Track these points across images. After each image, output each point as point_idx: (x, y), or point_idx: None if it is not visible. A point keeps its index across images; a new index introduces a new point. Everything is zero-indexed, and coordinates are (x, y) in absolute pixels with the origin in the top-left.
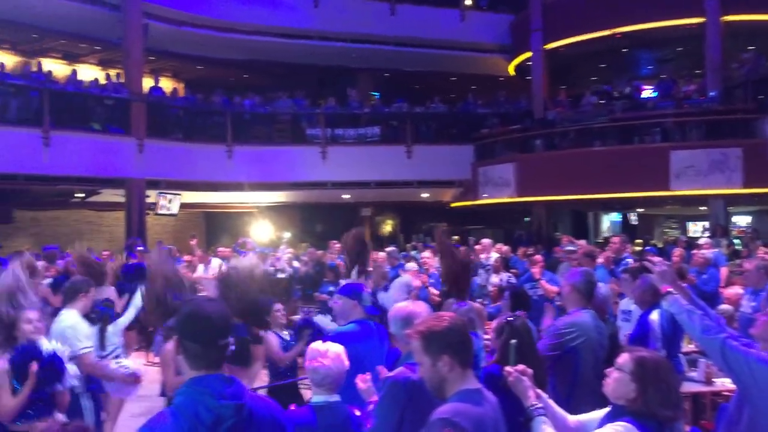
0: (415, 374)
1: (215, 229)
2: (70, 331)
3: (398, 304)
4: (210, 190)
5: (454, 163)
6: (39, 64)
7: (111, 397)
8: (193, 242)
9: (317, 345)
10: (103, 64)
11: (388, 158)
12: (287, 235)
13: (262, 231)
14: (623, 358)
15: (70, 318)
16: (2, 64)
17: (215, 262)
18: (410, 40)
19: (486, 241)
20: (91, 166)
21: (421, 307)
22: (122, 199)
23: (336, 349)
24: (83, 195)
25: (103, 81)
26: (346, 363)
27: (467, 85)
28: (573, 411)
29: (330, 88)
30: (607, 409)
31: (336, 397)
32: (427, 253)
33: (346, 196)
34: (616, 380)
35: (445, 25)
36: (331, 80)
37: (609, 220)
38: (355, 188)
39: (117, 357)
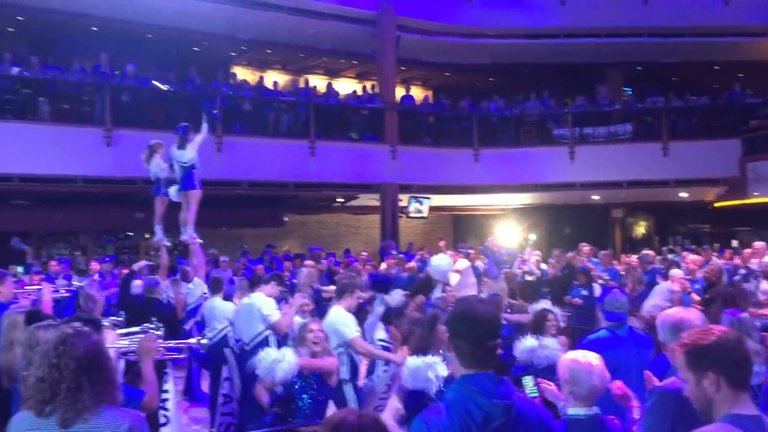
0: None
1: (462, 231)
2: (339, 323)
3: (668, 310)
4: (458, 193)
5: (717, 160)
6: (306, 81)
7: None
8: (442, 244)
9: (578, 356)
10: (360, 76)
11: (642, 156)
12: (533, 237)
13: (508, 233)
14: None
15: (337, 313)
16: (275, 82)
17: (462, 263)
18: (666, 29)
19: (759, 244)
20: (350, 173)
21: (693, 315)
22: (377, 203)
23: (597, 361)
24: (343, 200)
25: (359, 93)
26: (608, 375)
27: (733, 73)
28: None
29: (577, 87)
30: None
31: (595, 410)
32: (692, 257)
33: (596, 197)
34: None
35: (706, 11)
36: (579, 78)
37: None
38: (606, 189)
39: None
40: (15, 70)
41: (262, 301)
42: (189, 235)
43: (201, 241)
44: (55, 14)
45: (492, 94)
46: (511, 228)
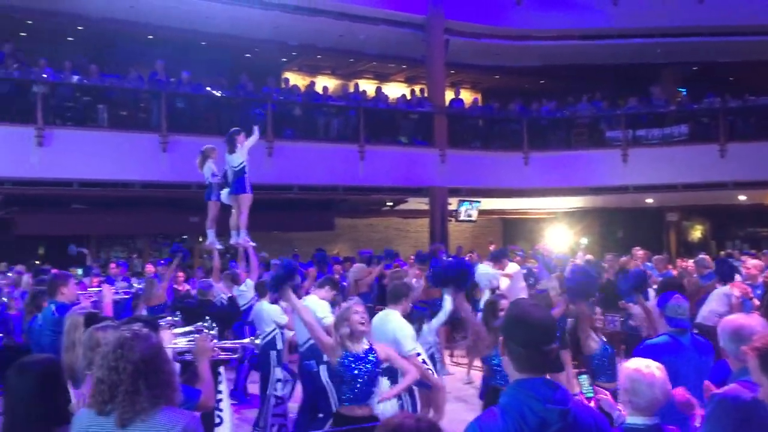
0: (748, 393)
1: (512, 234)
2: (400, 333)
3: (729, 316)
4: (507, 196)
5: None
6: (356, 86)
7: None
8: (492, 248)
9: (641, 365)
10: (409, 80)
11: (698, 158)
12: (585, 241)
13: (559, 237)
14: None
15: (396, 319)
16: (326, 87)
17: (512, 267)
18: (722, 28)
19: None
20: (399, 177)
21: (754, 321)
22: (426, 207)
23: (660, 372)
24: (392, 203)
25: (408, 97)
26: (670, 387)
27: None
28: None
29: (630, 88)
30: None
31: (655, 419)
32: (752, 261)
33: (650, 201)
34: None
35: (764, 8)
36: (632, 79)
37: None
38: (660, 191)
39: (432, 355)
40: (75, 78)
41: (316, 305)
42: (241, 238)
43: (253, 244)
44: (113, 24)
45: (542, 97)
46: (562, 232)
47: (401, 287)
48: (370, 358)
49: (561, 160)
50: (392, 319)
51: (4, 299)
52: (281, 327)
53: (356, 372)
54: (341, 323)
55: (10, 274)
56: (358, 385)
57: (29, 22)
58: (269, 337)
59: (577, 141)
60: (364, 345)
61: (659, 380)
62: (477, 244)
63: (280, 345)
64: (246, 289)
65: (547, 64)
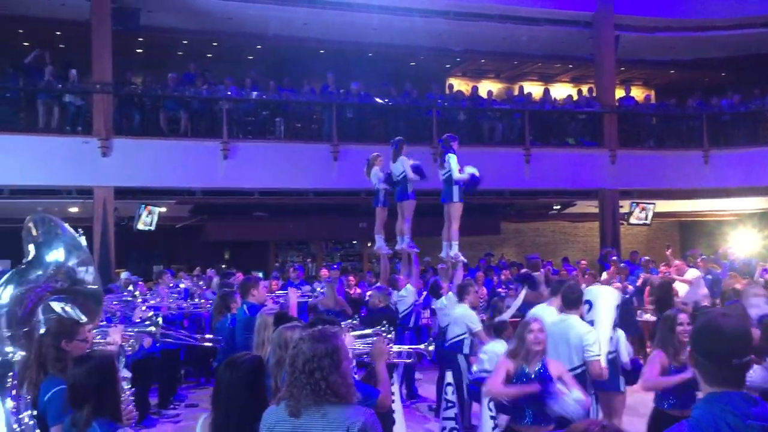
0: None
1: (690, 238)
2: (585, 338)
3: None
4: (685, 198)
5: None
6: (520, 88)
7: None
8: (669, 252)
9: None
10: (575, 80)
11: None
12: None
13: (745, 240)
14: None
15: (578, 323)
16: (490, 91)
17: (692, 272)
18: None
19: None
20: (566, 179)
21: None
22: (595, 210)
23: None
24: (559, 207)
25: (575, 97)
26: None
27: None
28: None
29: None
30: None
31: None
32: None
33: None
34: None
35: None
36: None
37: None
38: None
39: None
40: (254, 93)
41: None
42: (405, 243)
43: (417, 250)
44: (288, 40)
45: (724, 90)
46: (747, 235)
47: (578, 291)
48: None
49: (746, 157)
50: (574, 324)
51: (197, 300)
52: (472, 333)
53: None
54: (518, 340)
55: (195, 279)
56: (532, 408)
57: (214, 44)
58: (455, 340)
59: (765, 136)
60: (538, 366)
61: None
62: (651, 248)
63: (466, 350)
64: (406, 295)
65: (730, 55)
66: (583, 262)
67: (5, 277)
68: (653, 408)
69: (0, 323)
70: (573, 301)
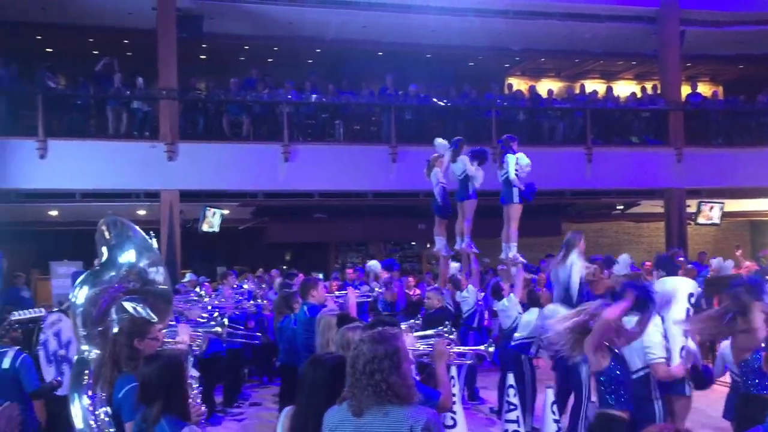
0: None
1: (761, 238)
2: (647, 339)
3: None
4: (757, 196)
5: None
6: (581, 86)
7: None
8: (739, 253)
9: None
10: (639, 77)
11: None
12: None
13: None
14: None
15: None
16: (550, 90)
17: None
18: None
19: None
20: (630, 179)
21: None
22: (661, 210)
23: None
24: (622, 207)
25: (638, 94)
26: None
27: None
28: None
29: None
30: None
31: None
32: None
33: None
34: None
35: None
36: None
37: None
38: None
39: None
40: (314, 96)
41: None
42: (465, 244)
43: (477, 251)
44: (347, 43)
45: None
46: None
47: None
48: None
49: None
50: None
51: (260, 301)
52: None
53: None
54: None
55: (258, 280)
56: (622, 391)
57: (275, 48)
58: (523, 341)
59: None
60: None
61: None
62: (720, 249)
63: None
64: (468, 295)
65: None
66: (647, 263)
67: (81, 278)
68: (741, 395)
69: (76, 322)
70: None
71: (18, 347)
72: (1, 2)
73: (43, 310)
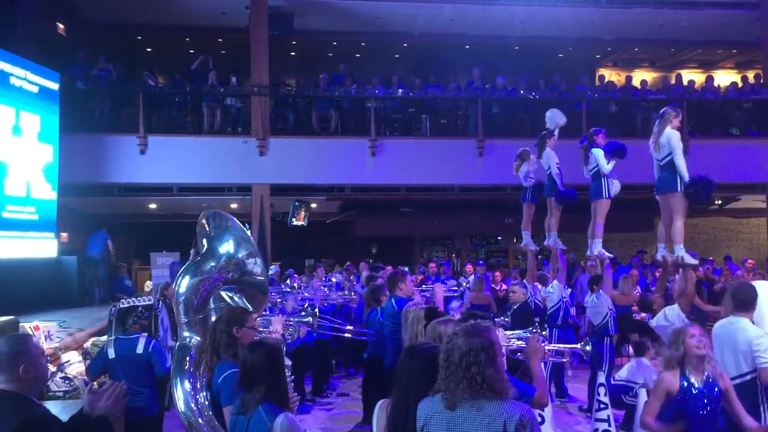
0: None
1: None
2: (756, 343)
3: None
4: None
5: None
6: (678, 77)
7: None
8: None
9: None
10: (740, 66)
11: None
12: None
13: None
14: None
15: (750, 327)
16: (644, 81)
17: None
18: None
19: None
20: (729, 173)
21: None
22: (763, 205)
23: None
24: (721, 202)
25: (740, 84)
26: None
27: None
28: None
29: None
30: None
31: None
32: None
33: None
34: None
35: None
36: None
37: None
38: None
39: None
40: (400, 91)
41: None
42: (553, 240)
43: (564, 247)
44: (434, 38)
45: None
46: None
47: (750, 291)
48: (713, 392)
49: None
50: (746, 328)
51: (347, 293)
52: None
53: (700, 411)
54: (674, 346)
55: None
56: (700, 426)
57: (363, 44)
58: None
59: None
60: (704, 375)
61: None
62: None
63: None
64: (553, 291)
65: None
66: (749, 261)
67: (183, 268)
68: None
69: (179, 310)
70: (743, 302)
71: (146, 333)
72: (104, 6)
73: (151, 298)
